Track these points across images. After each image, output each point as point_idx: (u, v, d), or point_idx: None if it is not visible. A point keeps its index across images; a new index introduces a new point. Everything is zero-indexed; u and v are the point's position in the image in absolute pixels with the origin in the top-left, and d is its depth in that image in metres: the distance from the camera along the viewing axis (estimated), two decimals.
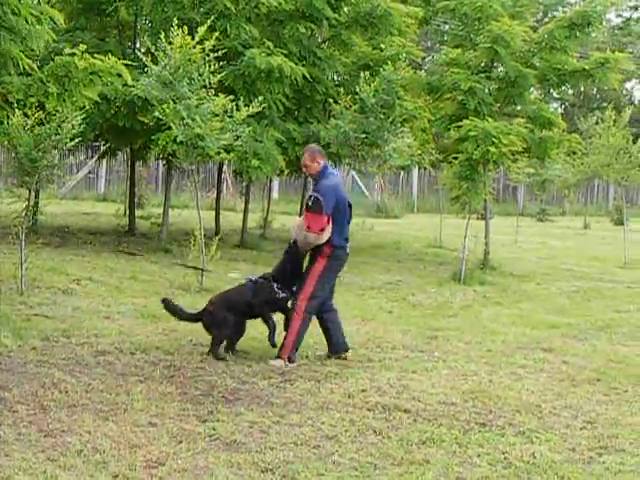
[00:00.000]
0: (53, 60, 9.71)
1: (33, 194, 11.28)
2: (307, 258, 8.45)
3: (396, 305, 11.96)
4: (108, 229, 17.80)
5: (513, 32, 15.73)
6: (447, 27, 20.38)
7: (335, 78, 17.85)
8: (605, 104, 39.53)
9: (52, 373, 7.27)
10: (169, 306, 8.56)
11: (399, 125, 15.76)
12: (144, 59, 12.07)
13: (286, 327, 8.30)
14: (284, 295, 8.38)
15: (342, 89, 16.17)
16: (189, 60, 11.52)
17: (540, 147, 16.64)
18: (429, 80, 17.09)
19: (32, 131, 9.95)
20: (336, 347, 8.50)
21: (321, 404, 6.89)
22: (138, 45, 16.66)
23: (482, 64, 16.48)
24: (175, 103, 11.48)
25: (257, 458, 5.61)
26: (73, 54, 9.62)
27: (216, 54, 11.68)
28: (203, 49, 11.50)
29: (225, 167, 22.35)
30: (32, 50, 9.34)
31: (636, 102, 49.53)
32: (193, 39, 11.50)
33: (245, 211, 17.89)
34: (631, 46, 47.94)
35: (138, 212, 19.43)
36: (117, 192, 27.71)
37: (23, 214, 10.32)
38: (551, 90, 19.84)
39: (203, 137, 11.40)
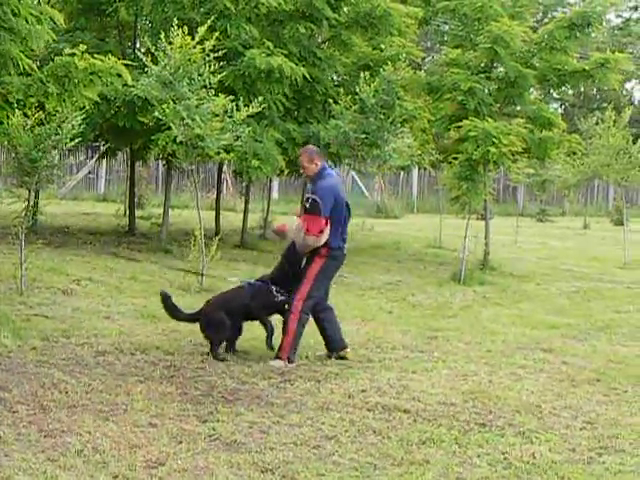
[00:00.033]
0: (53, 60, 9.72)
1: (33, 194, 11.28)
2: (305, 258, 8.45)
3: (396, 305, 11.96)
4: (108, 229, 17.80)
5: (513, 32, 15.73)
6: (447, 27, 20.38)
7: (335, 78, 17.85)
8: (605, 104, 39.50)
9: (52, 373, 7.27)
10: (167, 302, 8.51)
11: (399, 125, 15.76)
12: (144, 59, 12.06)
13: (284, 328, 8.30)
14: (282, 298, 8.37)
15: (342, 89, 16.17)
16: (189, 60, 11.52)
17: (540, 147, 16.63)
18: (429, 80, 17.09)
19: (32, 131, 9.95)
20: (333, 345, 8.50)
21: (321, 404, 6.89)
22: (138, 45, 16.66)
23: (482, 64, 16.48)
24: (175, 103, 11.48)
25: (257, 458, 5.61)
26: (73, 54, 9.63)
27: (216, 54, 11.68)
28: (203, 49, 11.50)
29: (225, 167, 22.35)
30: (32, 50, 9.36)
31: (636, 102, 49.53)
32: (193, 39, 11.50)
33: (245, 211, 17.89)
34: (631, 46, 47.94)
35: (138, 212, 19.42)
36: (117, 192, 27.71)
37: (23, 214, 10.32)
38: (551, 90, 19.88)
39: (203, 137, 11.40)
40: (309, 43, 16.23)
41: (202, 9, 14.81)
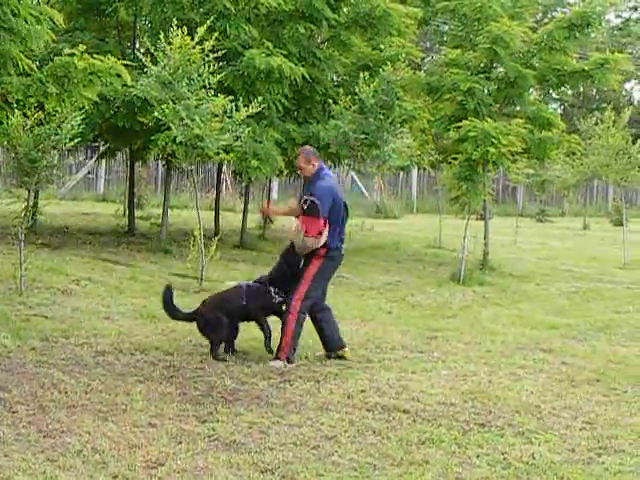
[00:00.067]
0: (52, 60, 9.72)
1: (32, 194, 11.28)
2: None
3: (395, 306, 11.96)
4: (107, 229, 17.80)
5: (512, 33, 15.73)
6: (446, 28, 20.41)
7: (334, 78, 17.85)
8: (604, 105, 39.51)
9: (51, 373, 7.27)
10: (167, 299, 8.48)
11: (398, 126, 15.78)
12: (143, 59, 12.06)
13: (283, 329, 8.30)
14: (280, 299, 8.37)
15: (341, 89, 16.18)
16: (188, 60, 11.52)
17: (539, 148, 16.64)
18: (428, 81, 17.09)
19: (31, 131, 9.94)
20: (331, 345, 8.49)
21: (320, 405, 6.89)
22: (137, 45, 16.65)
23: (481, 65, 16.48)
24: (174, 103, 11.48)
25: (256, 458, 5.61)
26: (72, 54, 9.63)
27: (215, 54, 11.68)
28: (202, 49, 11.51)
29: (224, 167, 22.34)
30: (31, 50, 9.37)
31: (635, 103, 49.54)
32: (192, 39, 11.51)
33: (244, 211, 17.89)
34: (630, 47, 47.97)
35: (137, 212, 19.43)
36: (116, 192, 27.70)
37: (22, 214, 10.32)
38: (550, 91, 19.83)
39: (202, 137, 11.40)
40: (309, 43, 16.23)
41: (201, 9, 14.81)
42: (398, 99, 15.34)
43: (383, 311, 11.47)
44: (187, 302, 9.58)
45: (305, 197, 8.28)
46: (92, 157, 27.39)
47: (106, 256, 13.73)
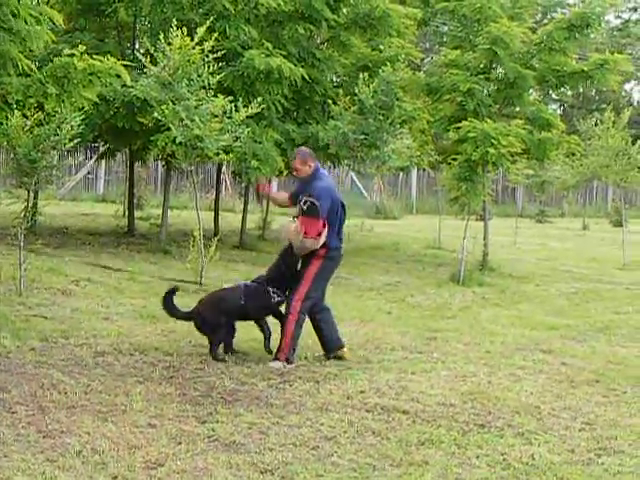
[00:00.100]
0: (52, 61, 9.70)
1: (32, 195, 11.28)
2: (300, 260, 8.43)
3: (395, 306, 11.96)
4: (107, 230, 17.80)
5: (512, 33, 15.74)
6: (446, 28, 20.42)
7: (334, 79, 17.85)
8: (604, 105, 39.54)
9: (51, 374, 7.27)
10: (168, 298, 8.48)
11: (398, 126, 15.78)
12: (143, 60, 12.07)
13: (282, 329, 8.29)
14: (279, 299, 8.36)
15: (341, 90, 16.18)
16: (188, 61, 11.53)
17: (539, 148, 16.64)
18: (428, 81, 17.09)
19: (31, 132, 9.95)
20: (330, 345, 8.49)
21: (320, 405, 6.89)
22: (137, 46, 16.65)
23: (481, 65, 16.49)
24: (174, 104, 11.49)
25: (256, 459, 5.61)
26: (72, 55, 9.62)
27: (215, 55, 11.69)
28: (202, 50, 11.51)
29: (224, 168, 22.34)
30: (31, 51, 9.35)
31: (635, 103, 49.55)
32: (192, 40, 11.51)
33: (244, 212, 17.88)
34: (630, 47, 47.97)
35: (137, 213, 19.43)
36: (116, 193, 27.70)
37: (22, 215, 10.31)
38: (550, 91, 19.83)
39: (202, 138, 11.40)
40: (308, 44, 16.23)
41: (201, 10, 14.81)
42: (398, 100, 15.34)
43: (382, 312, 11.46)
44: (186, 302, 9.57)
45: (305, 198, 8.24)
46: (92, 157, 27.39)
47: (105, 256, 13.73)
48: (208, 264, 11.99)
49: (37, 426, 5.97)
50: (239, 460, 5.57)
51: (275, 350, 8.21)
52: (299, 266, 8.37)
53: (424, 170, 28.51)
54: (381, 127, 15.16)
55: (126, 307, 10.31)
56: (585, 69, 16.61)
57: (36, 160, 10.03)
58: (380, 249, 18.82)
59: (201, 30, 11.64)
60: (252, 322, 8.54)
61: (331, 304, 8.91)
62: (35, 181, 10.36)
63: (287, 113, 15.78)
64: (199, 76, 11.53)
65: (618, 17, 50.98)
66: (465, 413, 6.87)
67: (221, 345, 8.32)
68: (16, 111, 9.79)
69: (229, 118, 11.69)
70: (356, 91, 15.12)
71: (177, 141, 11.52)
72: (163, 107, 11.46)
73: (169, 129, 11.58)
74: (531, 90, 18.14)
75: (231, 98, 11.98)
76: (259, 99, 12.37)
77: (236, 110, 11.75)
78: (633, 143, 19.65)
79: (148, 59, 12.03)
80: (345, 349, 8.54)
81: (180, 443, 5.83)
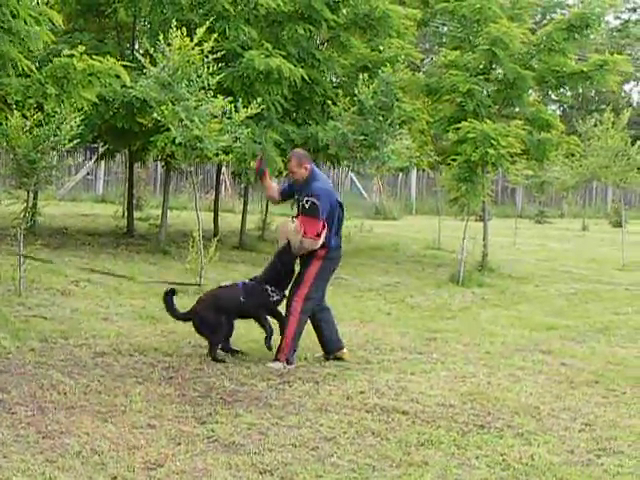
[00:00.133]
0: (52, 61, 9.72)
1: (32, 195, 11.28)
2: (299, 259, 8.42)
3: (394, 307, 11.96)
4: (107, 230, 17.80)
5: (512, 34, 15.74)
6: (446, 29, 20.43)
7: (334, 80, 17.84)
8: (603, 106, 39.55)
9: (50, 374, 7.27)
10: (168, 299, 8.47)
11: (397, 127, 15.77)
12: (143, 60, 12.06)
13: (282, 330, 8.29)
14: (277, 298, 8.36)
15: (341, 91, 16.16)
16: (188, 61, 11.52)
17: (539, 149, 16.65)
18: (428, 82, 17.08)
19: (31, 132, 9.94)
20: (329, 345, 8.48)
21: (320, 406, 6.89)
22: (137, 46, 16.67)
23: (481, 66, 16.48)
24: (174, 104, 11.48)
25: (255, 460, 5.61)
26: (72, 55, 9.63)
27: (215, 55, 11.68)
28: (202, 50, 11.50)
29: (224, 168, 22.35)
30: (31, 51, 9.36)
31: (634, 104, 49.57)
32: (192, 40, 11.50)
33: (244, 212, 17.88)
34: (629, 48, 47.99)
35: (136, 213, 19.43)
36: (116, 193, 27.69)
37: (22, 215, 10.32)
38: (550, 92, 19.85)
39: (202, 138, 11.39)
40: (308, 44, 16.22)
41: (201, 10, 14.81)
42: (397, 100, 15.34)
43: (382, 312, 11.47)
44: (186, 303, 9.57)
45: (306, 197, 8.22)
46: (91, 158, 27.39)
47: (105, 257, 13.72)
48: (207, 265, 11.99)
49: (36, 427, 5.97)
50: (238, 461, 5.57)
51: (275, 350, 8.21)
52: (298, 267, 8.37)
53: (423, 171, 28.51)
54: (380, 128, 15.15)
55: (125, 307, 10.31)
56: (584, 70, 16.61)
57: (36, 160, 10.03)
58: (380, 250, 18.82)
59: (201, 31, 11.63)
60: (252, 323, 8.54)
61: (330, 305, 8.90)
62: (35, 181, 10.35)
63: (287, 114, 15.78)
64: (199, 77, 11.52)
65: (617, 18, 51.04)
66: (464, 414, 6.87)
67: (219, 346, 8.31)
68: (16, 111, 9.80)
69: (229, 119, 11.69)
70: (356, 91, 15.11)
71: (176, 142, 11.51)
72: (163, 108, 11.45)
73: (168, 130, 11.58)
74: (530, 91, 18.13)
75: (231, 99, 11.98)
76: (259, 100, 12.36)
77: (236, 111, 11.75)
78: (632, 144, 19.67)
79: (148, 60, 12.03)
80: (344, 350, 8.54)
81: (179, 444, 5.82)
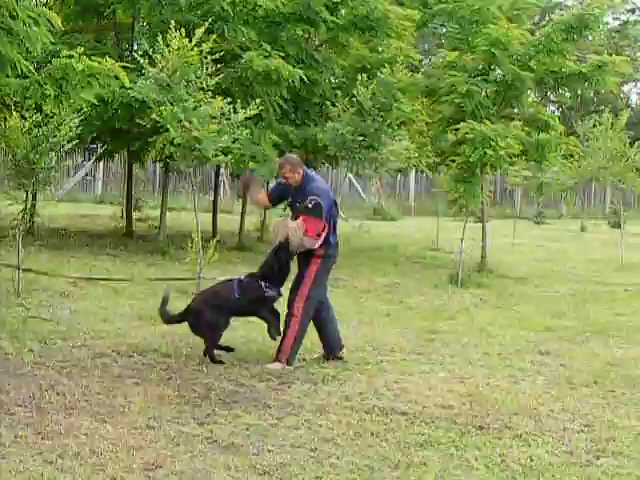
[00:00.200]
0: (50, 62, 9.71)
1: (30, 196, 11.28)
2: (296, 258, 8.41)
3: (393, 308, 11.95)
4: (105, 231, 17.80)
5: (511, 35, 15.75)
6: (444, 30, 20.40)
7: (332, 81, 17.85)
8: (602, 107, 39.57)
9: (49, 375, 7.27)
10: (162, 305, 8.45)
11: (396, 128, 15.77)
12: (141, 61, 12.04)
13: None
14: (272, 293, 8.32)
15: (339, 92, 16.17)
16: (186, 63, 11.50)
17: (537, 150, 16.63)
18: (426, 83, 17.09)
19: (29, 133, 9.95)
20: (331, 343, 8.47)
21: (318, 407, 6.88)
22: (135, 47, 16.66)
23: (480, 67, 16.48)
24: (172, 105, 11.46)
25: (254, 461, 5.61)
26: (70, 56, 9.62)
27: (213, 57, 11.68)
28: (200, 52, 11.49)
29: (222, 169, 22.35)
30: (29, 52, 9.34)
31: (633, 105, 49.57)
32: (190, 42, 11.49)
33: (242, 213, 17.89)
34: (628, 49, 47.99)
35: (135, 214, 19.42)
36: (114, 194, 27.70)
37: (20, 216, 10.32)
38: (548, 93, 19.85)
39: (200, 139, 11.38)
40: (307, 45, 16.25)
41: (199, 11, 14.81)
42: (396, 101, 15.34)
43: (381, 313, 11.46)
44: (185, 304, 9.57)
45: (310, 197, 8.20)
46: (90, 159, 27.40)
47: (104, 258, 13.72)
48: (206, 266, 11.97)
49: (35, 428, 5.96)
50: (237, 462, 5.57)
51: (276, 350, 8.19)
52: (298, 267, 8.35)
53: (422, 172, 28.48)
54: (379, 129, 15.15)
55: (124, 308, 10.31)
56: (583, 71, 16.61)
57: (34, 161, 10.04)
58: (378, 251, 18.82)
59: (199, 32, 11.62)
60: (253, 323, 8.53)
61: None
62: (33, 182, 10.36)
63: (285, 115, 15.79)
64: (197, 78, 11.51)
65: (616, 19, 51.04)
66: (463, 415, 6.87)
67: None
68: (14, 112, 9.80)
69: (227, 120, 11.68)
70: (354, 92, 15.11)
71: (175, 142, 11.49)
72: (161, 108, 11.43)
73: (167, 131, 11.56)
74: (529, 92, 18.14)
75: (229, 100, 11.97)
76: (257, 101, 12.33)
77: (234, 112, 11.74)
78: (631, 145, 19.66)
79: (146, 60, 12.01)
80: (344, 350, 8.54)
81: (178, 444, 5.82)
